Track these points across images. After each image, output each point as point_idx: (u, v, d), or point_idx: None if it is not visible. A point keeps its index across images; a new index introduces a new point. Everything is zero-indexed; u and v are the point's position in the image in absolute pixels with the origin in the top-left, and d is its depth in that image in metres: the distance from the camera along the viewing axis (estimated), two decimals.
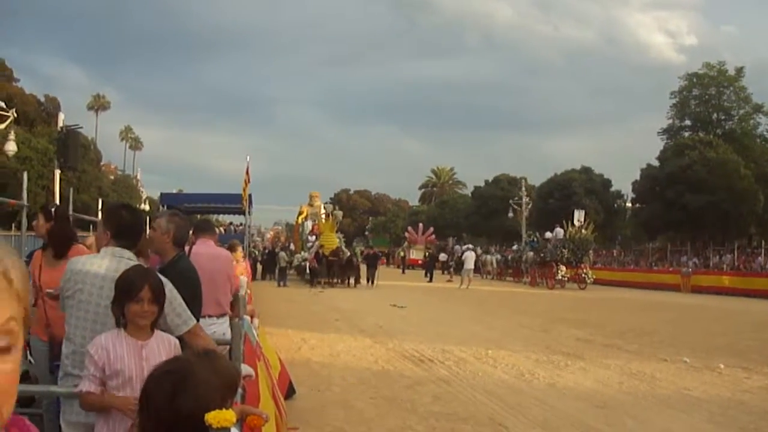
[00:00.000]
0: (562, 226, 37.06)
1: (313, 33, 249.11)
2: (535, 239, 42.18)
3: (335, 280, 33.04)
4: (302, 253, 37.47)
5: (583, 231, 36.65)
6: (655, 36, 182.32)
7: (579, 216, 38.19)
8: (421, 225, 68.79)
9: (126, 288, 3.09)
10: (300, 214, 44.86)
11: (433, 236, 66.53)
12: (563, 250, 35.32)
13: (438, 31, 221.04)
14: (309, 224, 41.90)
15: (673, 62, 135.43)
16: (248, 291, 10.16)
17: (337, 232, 39.09)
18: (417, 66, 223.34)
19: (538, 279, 36.78)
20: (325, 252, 33.01)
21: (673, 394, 8.98)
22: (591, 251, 37.85)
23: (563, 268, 34.74)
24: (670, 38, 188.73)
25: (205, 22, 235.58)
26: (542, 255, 36.95)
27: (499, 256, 47.59)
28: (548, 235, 38.19)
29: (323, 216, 41.91)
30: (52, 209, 5.87)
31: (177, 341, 3.35)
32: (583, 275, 34.56)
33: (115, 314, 3.16)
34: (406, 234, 69.45)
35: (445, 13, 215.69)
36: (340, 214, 45.25)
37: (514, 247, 47.01)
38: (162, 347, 3.17)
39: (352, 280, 33.46)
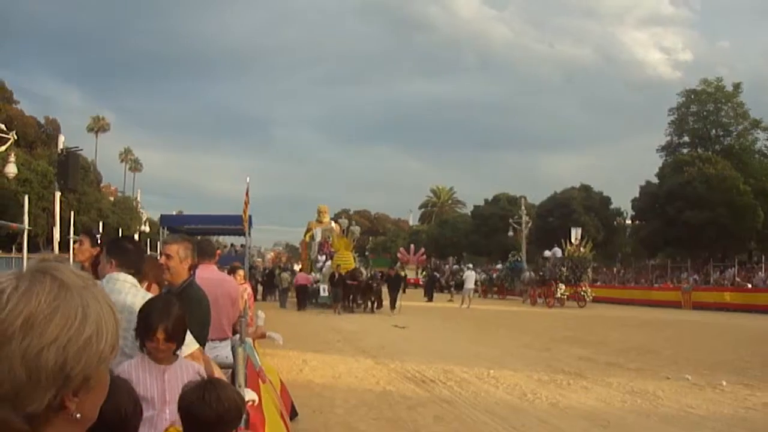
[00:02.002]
0: (560, 245, 37.14)
1: (311, 54, 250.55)
2: (519, 259, 43.35)
3: (354, 305, 29.72)
4: (313, 274, 34.35)
5: (581, 249, 36.70)
6: (651, 52, 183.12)
7: (576, 234, 38.25)
8: (412, 246, 69.34)
9: (142, 325, 3.16)
10: (308, 231, 40.84)
11: (425, 257, 66.82)
12: (562, 268, 35.36)
13: (435, 50, 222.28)
14: (318, 232, 38.10)
15: (669, 78, 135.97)
16: (249, 314, 10.14)
17: (352, 250, 36.01)
18: (414, 85, 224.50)
19: (538, 298, 36.78)
20: (342, 272, 29.61)
21: (676, 412, 8.95)
22: (590, 269, 37.85)
23: (562, 286, 34.74)
24: (665, 54, 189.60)
25: (204, 44, 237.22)
26: (541, 274, 37.01)
27: (484, 275, 47.94)
28: (547, 253, 38.27)
29: (337, 232, 37.49)
30: (97, 235, 5.74)
31: (201, 367, 3.34)
32: (582, 293, 34.52)
33: (139, 341, 3.21)
34: (399, 255, 69.71)
35: (442, 33, 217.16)
36: (357, 230, 39.03)
37: (498, 266, 47.47)
38: (185, 372, 3.19)
39: (371, 305, 29.68)
